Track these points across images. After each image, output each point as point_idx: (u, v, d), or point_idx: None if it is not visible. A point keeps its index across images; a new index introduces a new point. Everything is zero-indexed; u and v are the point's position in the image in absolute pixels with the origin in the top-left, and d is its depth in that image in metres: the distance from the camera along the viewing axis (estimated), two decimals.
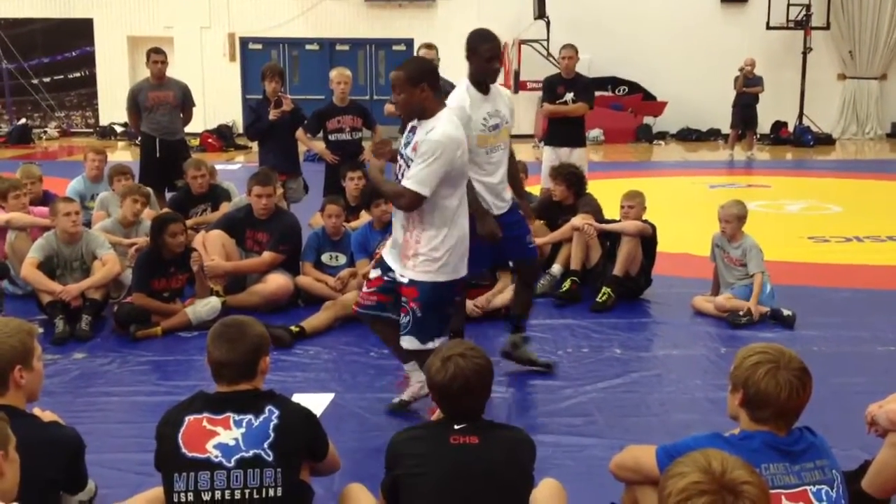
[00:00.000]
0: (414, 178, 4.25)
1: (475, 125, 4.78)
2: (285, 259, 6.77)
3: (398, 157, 4.50)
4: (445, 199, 4.34)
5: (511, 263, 5.79)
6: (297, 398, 4.50)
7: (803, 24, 19.27)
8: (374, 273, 4.65)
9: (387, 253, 4.61)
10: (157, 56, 8.90)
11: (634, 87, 19.53)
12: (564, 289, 6.87)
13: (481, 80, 4.92)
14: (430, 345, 4.39)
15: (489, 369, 3.14)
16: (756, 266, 6.48)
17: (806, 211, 11.40)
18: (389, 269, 4.53)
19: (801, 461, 2.67)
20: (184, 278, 6.36)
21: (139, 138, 9.41)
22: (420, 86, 4.30)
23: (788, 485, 2.62)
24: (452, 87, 8.31)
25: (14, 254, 6.74)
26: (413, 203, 4.29)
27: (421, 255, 4.36)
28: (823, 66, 20.03)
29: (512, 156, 5.21)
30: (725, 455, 2.03)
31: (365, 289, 4.70)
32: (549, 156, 9.20)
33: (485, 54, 4.90)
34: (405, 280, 4.41)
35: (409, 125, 4.47)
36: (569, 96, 9.09)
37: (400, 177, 4.42)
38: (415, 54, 9.41)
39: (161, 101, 8.89)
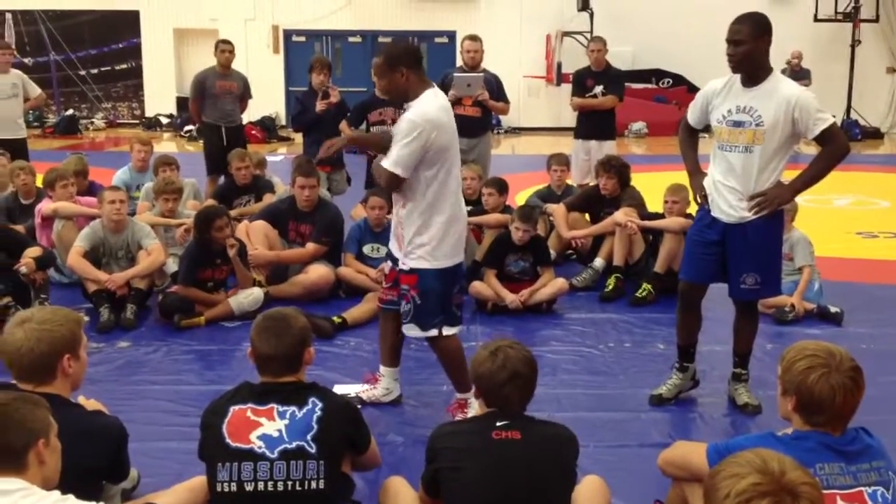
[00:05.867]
0: (390, 158, 4.18)
1: (715, 114, 4.52)
2: (327, 250, 6.80)
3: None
4: (425, 182, 4.23)
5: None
6: (339, 389, 4.54)
7: (852, 17, 18.94)
8: (388, 266, 4.58)
9: (391, 243, 4.53)
10: (225, 46, 9.32)
11: (678, 80, 19.33)
12: (609, 288, 6.82)
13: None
14: (433, 332, 4.39)
15: (535, 362, 3.14)
16: (804, 259, 6.39)
17: (854, 206, 11.21)
18: (396, 260, 4.48)
19: (856, 462, 2.61)
20: (228, 269, 6.40)
21: (198, 128, 9.69)
22: (398, 69, 4.23)
23: (844, 485, 2.57)
24: (496, 78, 8.39)
25: (61, 242, 6.83)
26: (390, 183, 4.24)
27: (409, 241, 4.30)
28: (872, 59, 19.68)
29: (817, 160, 4.48)
30: (780, 455, 1.99)
31: (385, 284, 4.61)
32: (578, 149, 9.13)
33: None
34: (406, 268, 4.35)
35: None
36: (598, 89, 8.98)
37: None
38: (459, 46, 9.36)
39: (227, 90, 9.30)
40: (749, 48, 4.31)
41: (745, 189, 4.44)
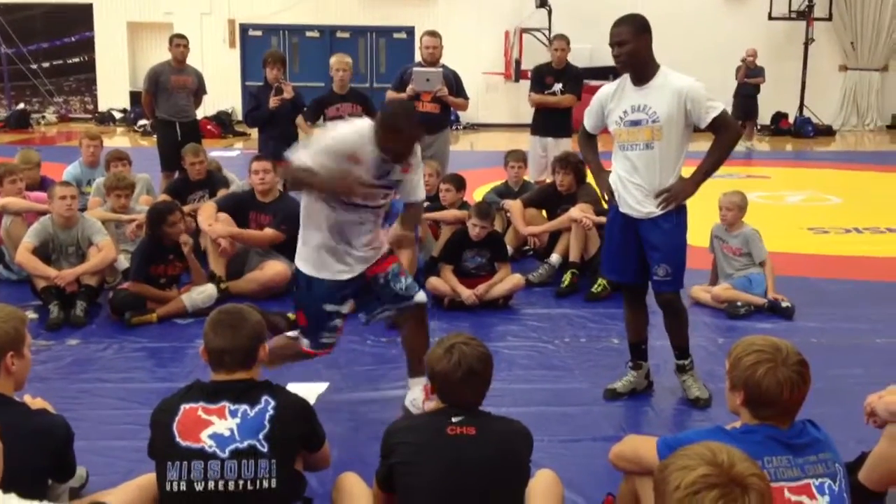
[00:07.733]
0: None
1: (612, 118, 4.62)
2: (285, 240, 6.76)
3: None
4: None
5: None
6: (292, 387, 4.48)
7: (805, 15, 19.21)
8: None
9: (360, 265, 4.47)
10: (180, 40, 9.25)
11: None
12: (565, 283, 6.86)
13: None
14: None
15: (490, 358, 3.15)
16: (762, 253, 6.51)
17: (805, 202, 11.37)
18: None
19: (804, 454, 2.64)
20: (181, 265, 6.34)
21: (152, 123, 9.54)
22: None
23: (791, 478, 2.59)
24: (455, 74, 8.38)
25: (9, 238, 6.71)
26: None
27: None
28: (825, 57, 19.98)
29: (712, 150, 4.62)
30: (729, 447, 2.01)
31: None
32: (535, 145, 9.16)
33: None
34: (385, 249, 4.47)
35: None
36: (557, 87, 9.03)
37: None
38: (417, 42, 9.34)
39: (182, 85, 9.23)
40: (632, 47, 4.46)
41: (651, 185, 4.56)
